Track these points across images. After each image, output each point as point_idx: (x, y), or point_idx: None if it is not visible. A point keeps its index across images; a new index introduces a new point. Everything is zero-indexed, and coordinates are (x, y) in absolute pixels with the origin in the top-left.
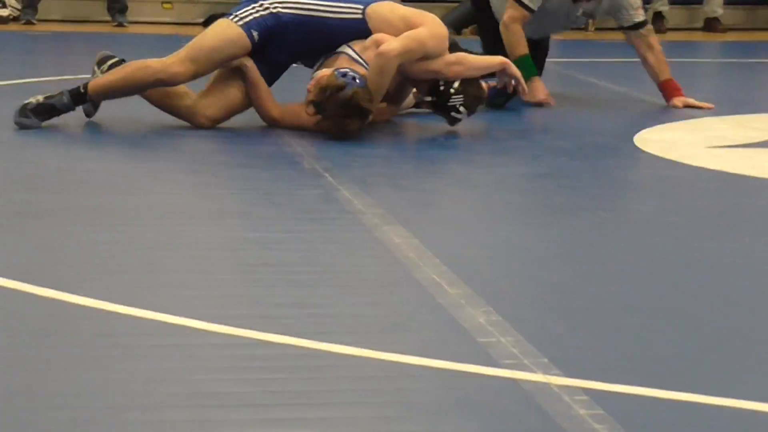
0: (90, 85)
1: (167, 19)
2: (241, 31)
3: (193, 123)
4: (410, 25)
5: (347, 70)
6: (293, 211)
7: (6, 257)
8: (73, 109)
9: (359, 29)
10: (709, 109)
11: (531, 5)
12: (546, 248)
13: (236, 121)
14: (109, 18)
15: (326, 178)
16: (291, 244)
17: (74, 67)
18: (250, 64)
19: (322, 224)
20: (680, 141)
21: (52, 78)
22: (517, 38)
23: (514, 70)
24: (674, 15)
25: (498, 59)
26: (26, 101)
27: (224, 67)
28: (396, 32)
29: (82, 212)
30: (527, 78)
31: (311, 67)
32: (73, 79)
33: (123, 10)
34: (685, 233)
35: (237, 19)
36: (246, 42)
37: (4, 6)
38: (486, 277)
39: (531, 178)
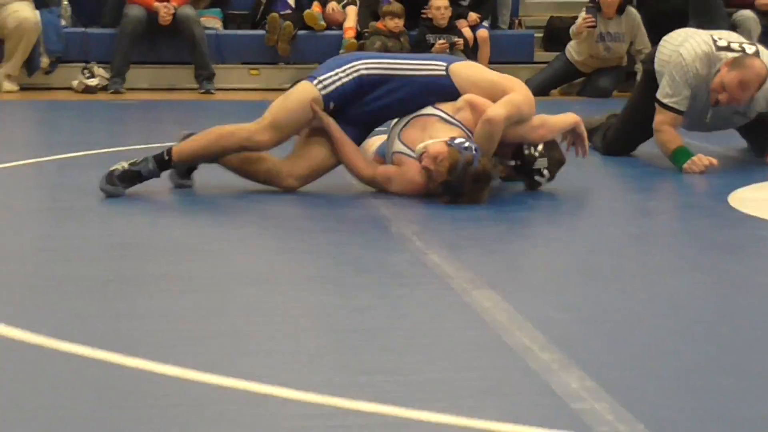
0: (174, 151)
1: (254, 86)
2: (319, 96)
3: (278, 185)
4: (498, 89)
5: (462, 140)
6: (382, 276)
7: (95, 325)
8: (158, 176)
9: (443, 87)
10: None
11: (677, 107)
12: (640, 310)
13: (322, 185)
14: (196, 85)
15: (414, 242)
16: (380, 309)
17: (161, 134)
18: (331, 121)
19: (410, 289)
20: None
21: (140, 146)
22: (668, 137)
23: (582, 129)
24: None
25: (573, 118)
26: (112, 168)
27: (308, 127)
28: (484, 94)
29: (169, 279)
30: (684, 162)
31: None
32: (160, 146)
33: (210, 77)
34: None
35: (320, 85)
36: (322, 106)
37: (93, 76)
38: (578, 341)
39: (623, 239)
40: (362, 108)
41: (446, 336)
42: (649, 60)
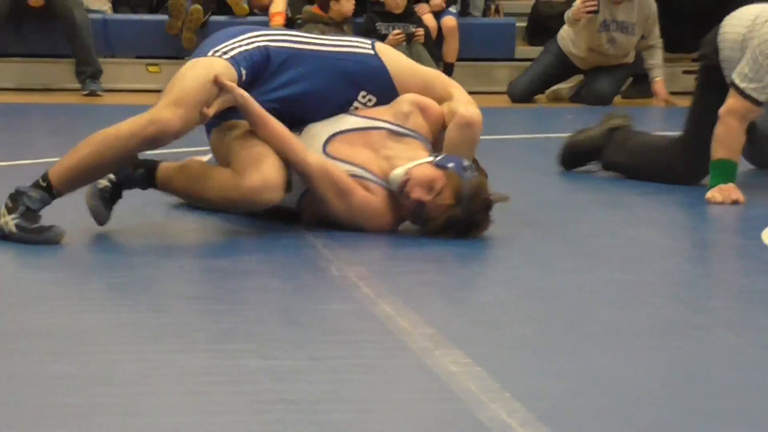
0: (51, 175)
1: (152, 85)
2: (227, 63)
3: (247, 201)
4: (438, 82)
5: (449, 157)
6: (318, 332)
7: None
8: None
9: (372, 69)
10: None
11: (755, 95)
12: (648, 379)
13: (242, 214)
14: (78, 85)
15: (361, 288)
16: (316, 374)
17: (33, 149)
18: (248, 96)
19: (356, 349)
20: None
21: (4, 163)
22: (727, 136)
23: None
24: None
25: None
26: None
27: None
28: (420, 89)
29: (39, 336)
30: (716, 183)
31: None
32: (32, 164)
33: (96, 74)
34: None
35: (219, 53)
36: (233, 75)
37: None
38: (569, 416)
39: (627, 286)
40: (264, 96)
41: (401, 410)
42: (711, 51)
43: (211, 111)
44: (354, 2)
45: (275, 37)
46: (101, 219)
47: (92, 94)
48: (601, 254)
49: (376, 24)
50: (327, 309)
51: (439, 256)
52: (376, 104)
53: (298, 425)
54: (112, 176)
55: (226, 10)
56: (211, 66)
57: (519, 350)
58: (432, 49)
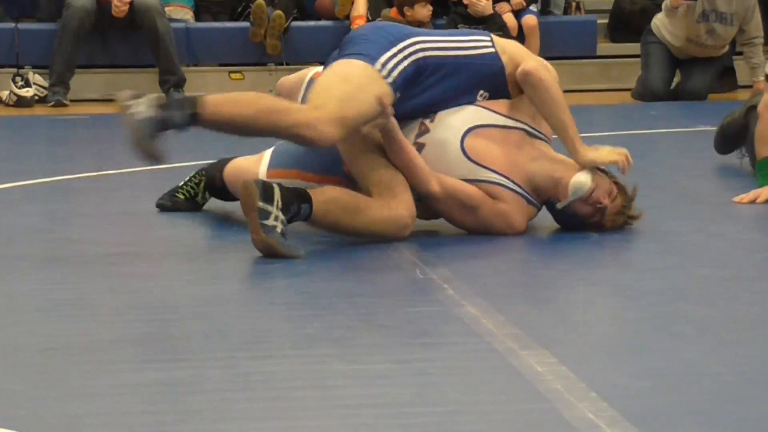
0: (205, 107)
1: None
2: (389, 88)
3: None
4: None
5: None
6: (403, 335)
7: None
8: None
9: (493, 69)
10: None
11: None
12: (738, 375)
13: None
14: (161, 93)
15: (446, 290)
16: (401, 377)
17: (119, 159)
18: (396, 125)
19: (441, 351)
20: None
21: (90, 174)
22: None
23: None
24: None
25: None
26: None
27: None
28: None
29: (131, 345)
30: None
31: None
32: (117, 174)
33: (180, 83)
34: None
35: (384, 70)
36: (391, 99)
37: (28, 85)
38: (657, 415)
39: (715, 283)
40: (404, 104)
41: (488, 411)
42: None
43: (366, 130)
44: (430, 7)
45: (425, 44)
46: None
47: None
48: (687, 251)
49: (459, 26)
50: (412, 312)
51: (522, 256)
52: (488, 99)
53: (385, 429)
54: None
55: (309, 15)
56: (376, 88)
57: (604, 349)
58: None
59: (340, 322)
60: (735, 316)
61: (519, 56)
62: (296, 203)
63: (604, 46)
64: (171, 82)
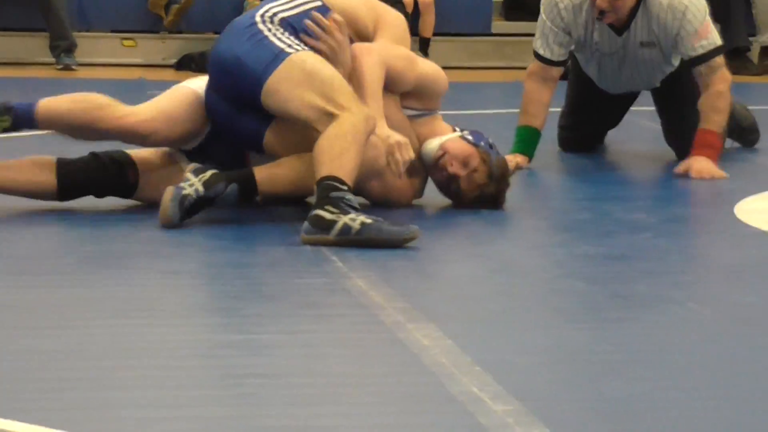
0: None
1: (128, 60)
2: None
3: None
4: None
5: (476, 134)
6: (291, 306)
7: None
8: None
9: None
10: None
11: (549, 56)
12: (620, 352)
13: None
14: (52, 59)
15: (334, 262)
16: (288, 348)
17: None
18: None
19: (328, 322)
20: None
21: None
22: (525, 100)
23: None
24: None
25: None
26: None
27: None
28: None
29: (12, 310)
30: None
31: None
32: (4, 138)
33: (70, 48)
34: None
35: (287, 46)
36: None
37: None
38: (540, 390)
39: (600, 261)
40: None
41: (373, 383)
42: None
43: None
44: None
45: (275, 9)
46: (170, 221)
47: (66, 68)
48: (575, 229)
49: None
50: (300, 283)
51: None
52: None
53: (270, 399)
54: (200, 189)
55: None
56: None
57: (491, 324)
58: (408, 24)
59: (228, 291)
60: (620, 294)
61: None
62: (223, 182)
63: (499, 24)
64: (62, 47)
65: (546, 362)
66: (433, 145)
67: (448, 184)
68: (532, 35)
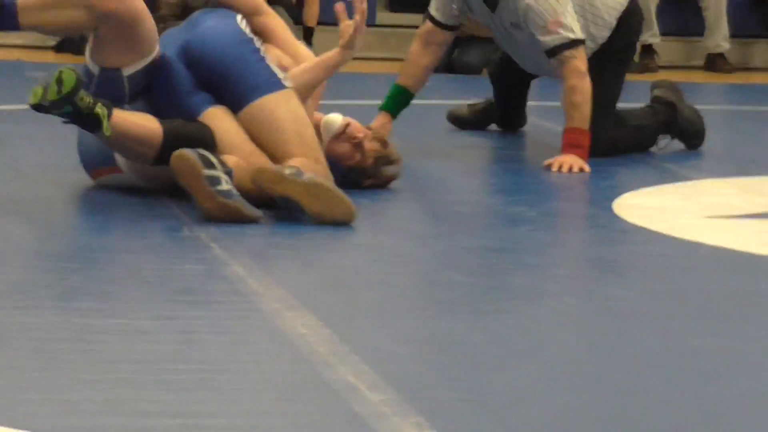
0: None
1: (7, 41)
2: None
3: None
4: None
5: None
6: (168, 292)
7: None
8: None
9: None
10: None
11: (438, 18)
12: (496, 344)
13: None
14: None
15: (213, 249)
16: (164, 334)
17: None
18: None
19: (205, 309)
20: (672, 208)
21: None
22: (406, 60)
23: None
24: (668, 49)
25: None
26: None
27: None
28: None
29: None
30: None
31: None
32: None
33: None
34: (677, 326)
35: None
36: None
37: None
38: (417, 380)
39: (480, 253)
40: None
41: (249, 370)
42: None
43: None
44: None
45: None
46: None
47: None
48: (455, 221)
49: None
50: (177, 269)
51: (294, 219)
52: None
53: (144, 384)
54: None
55: None
56: None
57: (369, 314)
58: (292, 13)
59: (103, 276)
60: (497, 287)
61: None
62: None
63: (383, 16)
64: None
65: (423, 352)
66: (335, 117)
67: (352, 154)
68: (416, 27)
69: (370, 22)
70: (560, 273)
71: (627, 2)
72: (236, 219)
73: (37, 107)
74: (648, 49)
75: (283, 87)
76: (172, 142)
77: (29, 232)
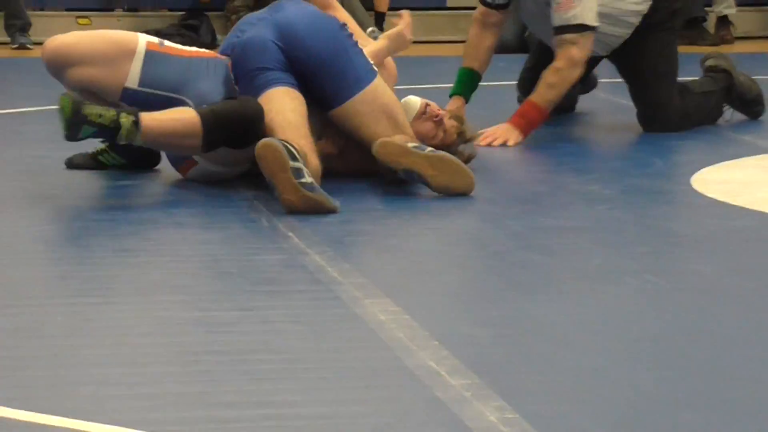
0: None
1: None
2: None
3: None
4: None
5: None
6: (248, 283)
7: None
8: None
9: None
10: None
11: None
12: (577, 324)
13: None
14: (8, 39)
15: (291, 238)
16: (246, 325)
17: None
18: None
19: (285, 299)
20: (753, 182)
21: None
22: (466, 44)
23: None
24: (745, 20)
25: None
26: None
27: None
28: None
29: None
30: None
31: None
32: None
33: (25, 27)
34: (760, 302)
35: None
36: None
37: None
38: (497, 364)
39: (558, 233)
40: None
41: (331, 359)
42: None
43: None
44: None
45: None
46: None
47: (22, 47)
48: (531, 203)
49: None
50: (257, 259)
51: (368, 206)
52: None
53: (228, 375)
54: None
55: None
56: None
57: (448, 298)
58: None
59: (184, 269)
60: (576, 267)
61: None
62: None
63: None
64: (17, 26)
65: (503, 335)
66: (414, 99)
67: (435, 132)
68: None
69: (441, 5)
70: (639, 251)
71: None
72: (317, 211)
73: (69, 139)
74: (723, 20)
75: (376, 74)
76: (213, 125)
77: (110, 228)
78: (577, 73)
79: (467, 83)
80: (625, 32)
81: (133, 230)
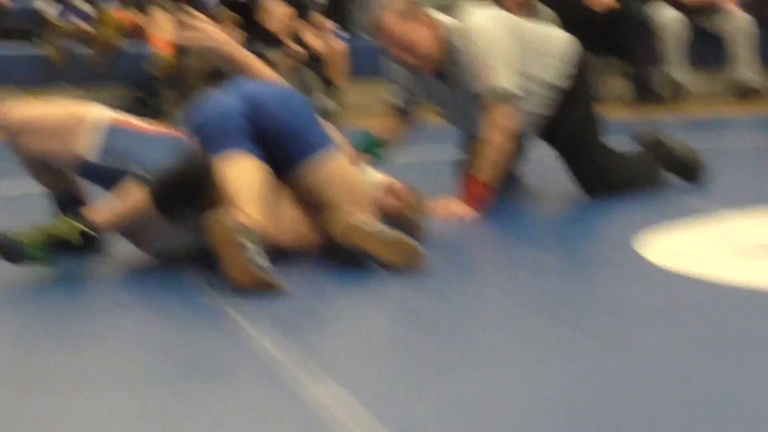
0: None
1: None
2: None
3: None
4: None
5: None
6: (186, 367)
7: None
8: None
9: None
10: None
11: (397, 105)
12: (529, 401)
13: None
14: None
15: (234, 318)
16: (182, 411)
17: None
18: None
19: (226, 383)
20: (695, 246)
21: None
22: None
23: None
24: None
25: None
26: None
27: None
28: None
29: None
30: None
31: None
32: None
33: None
34: (708, 371)
35: None
36: None
37: None
38: None
39: (504, 305)
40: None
41: None
42: None
43: None
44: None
45: None
46: None
47: None
48: (485, 274)
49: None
50: (196, 341)
51: (317, 284)
52: None
53: None
54: None
55: None
56: None
57: (396, 380)
58: (318, 70)
59: (117, 353)
60: (525, 339)
61: None
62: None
63: None
64: None
65: (449, 415)
66: (377, 176)
67: (402, 211)
68: None
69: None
70: (586, 323)
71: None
72: (265, 290)
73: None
74: (676, 85)
75: (333, 143)
76: (161, 194)
77: (18, 308)
78: (508, 142)
79: (375, 145)
80: (542, 106)
81: (62, 313)
